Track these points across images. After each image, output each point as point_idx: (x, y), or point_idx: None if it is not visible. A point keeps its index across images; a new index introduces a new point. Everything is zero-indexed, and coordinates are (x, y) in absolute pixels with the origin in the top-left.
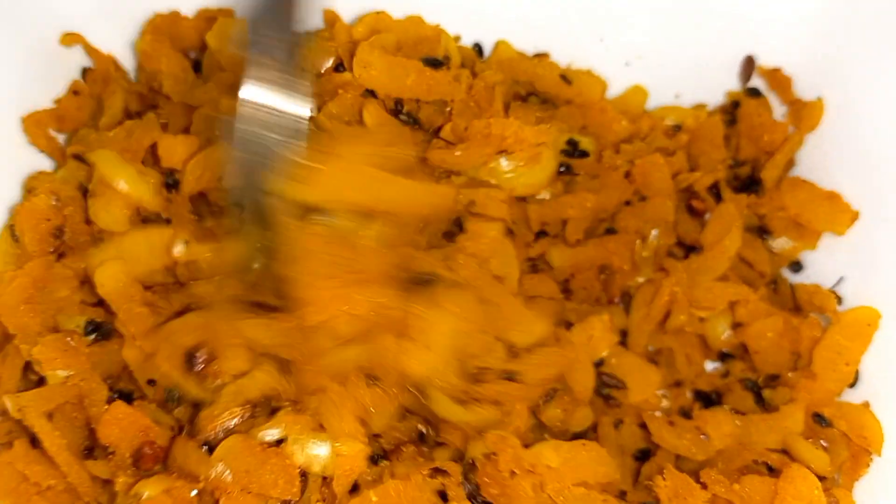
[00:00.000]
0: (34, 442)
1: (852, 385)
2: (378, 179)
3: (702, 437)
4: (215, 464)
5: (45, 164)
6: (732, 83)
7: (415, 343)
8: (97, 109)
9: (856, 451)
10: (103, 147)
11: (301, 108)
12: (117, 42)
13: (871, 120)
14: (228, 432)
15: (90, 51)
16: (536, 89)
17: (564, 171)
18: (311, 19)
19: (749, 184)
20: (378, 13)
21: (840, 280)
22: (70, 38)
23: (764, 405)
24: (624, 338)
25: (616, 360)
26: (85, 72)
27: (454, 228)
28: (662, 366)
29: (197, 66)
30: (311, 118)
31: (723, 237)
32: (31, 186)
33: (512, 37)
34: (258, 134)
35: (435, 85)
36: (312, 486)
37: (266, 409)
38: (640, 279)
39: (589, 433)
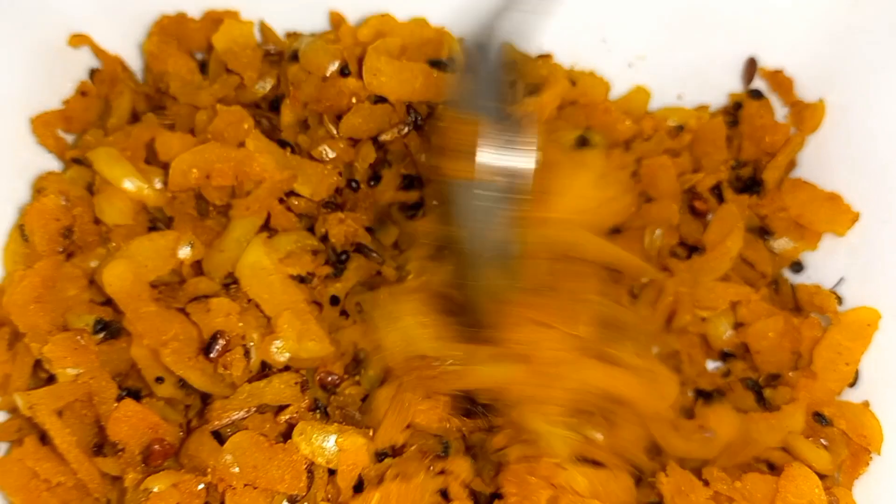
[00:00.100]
0: (44, 439)
1: (852, 385)
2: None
3: (707, 434)
4: (225, 454)
5: (53, 164)
6: (735, 85)
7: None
8: (105, 110)
9: (856, 450)
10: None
11: (527, 162)
12: (124, 43)
13: (872, 122)
14: (237, 426)
15: (98, 52)
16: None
17: None
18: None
19: (751, 185)
20: (383, 15)
21: (840, 280)
22: (78, 40)
23: (765, 404)
24: None
25: None
26: (92, 73)
27: None
28: (669, 368)
29: (203, 68)
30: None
31: (725, 238)
32: (40, 187)
33: (515, 37)
34: (490, 191)
35: (443, 87)
36: (318, 483)
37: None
38: (644, 279)
39: None
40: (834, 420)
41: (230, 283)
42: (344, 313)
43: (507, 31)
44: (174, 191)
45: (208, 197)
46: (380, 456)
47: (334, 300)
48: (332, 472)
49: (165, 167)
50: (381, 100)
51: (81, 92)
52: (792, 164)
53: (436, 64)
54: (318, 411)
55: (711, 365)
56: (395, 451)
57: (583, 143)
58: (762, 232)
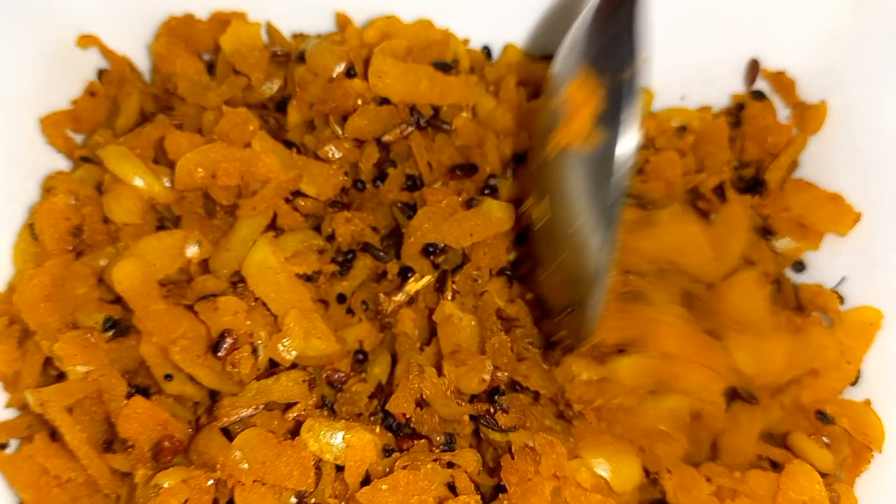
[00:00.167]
0: (54, 435)
1: (854, 383)
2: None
3: None
4: (234, 450)
5: (62, 164)
6: (737, 86)
7: None
8: (113, 110)
9: (857, 448)
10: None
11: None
12: (132, 44)
13: (874, 123)
14: (246, 423)
15: (106, 52)
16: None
17: None
18: (324, 22)
19: (753, 185)
20: (389, 17)
21: (842, 280)
22: (86, 40)
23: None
24: None
25: None
26: (101, 73)
27: None
28: None
29: (211, 69)
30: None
31: (728, 238)
32: (49, 186)
33: (520, 40)
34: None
35: (447, 89)
36: (326, 479)
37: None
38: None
39: None
40: (836, 418)
41: (237, 282)
42: (350, 311)
43: None
44: (180, 190)
45: (215, 196)
46: (387, 451)
47: (341, 298)
48: (339, 469)
49: (174, 167)
50: (386, 101)
51: (90, 92)
52: (794, 165)
53: (440, 66)
54: (325, 408)
55: None
56: (400, 447)
57: None
58: (765, 232)
